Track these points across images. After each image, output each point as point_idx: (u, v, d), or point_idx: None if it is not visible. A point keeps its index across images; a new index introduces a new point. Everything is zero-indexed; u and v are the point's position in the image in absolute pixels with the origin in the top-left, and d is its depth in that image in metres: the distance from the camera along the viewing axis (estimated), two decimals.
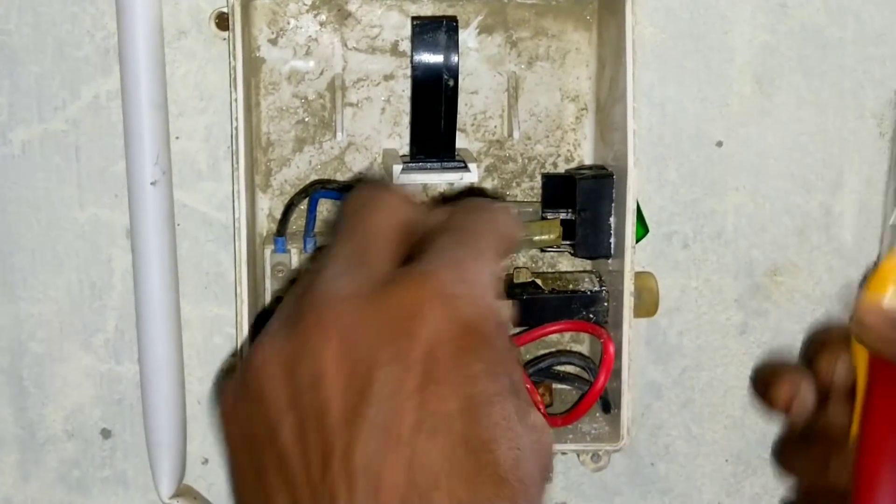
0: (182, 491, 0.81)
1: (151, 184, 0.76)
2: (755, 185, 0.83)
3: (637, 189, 0.74)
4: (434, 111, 0.75)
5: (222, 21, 0.76)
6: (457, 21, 0.74)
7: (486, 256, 0.45)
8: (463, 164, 0.75)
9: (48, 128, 0.79)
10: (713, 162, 0.82)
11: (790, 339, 0.85)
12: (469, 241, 0.45)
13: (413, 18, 0.75)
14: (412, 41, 0.74)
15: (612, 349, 0.74)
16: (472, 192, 0.79)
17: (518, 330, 0.76)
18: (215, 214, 0.80)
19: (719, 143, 0.82)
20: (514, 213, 0.50)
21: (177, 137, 0.79)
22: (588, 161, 0.80)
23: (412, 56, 0.74)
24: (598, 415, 0.78)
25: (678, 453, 0.86)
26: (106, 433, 0.83)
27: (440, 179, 0.76)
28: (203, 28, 0.78)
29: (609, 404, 0.77)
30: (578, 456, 0.79)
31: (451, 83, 0.74)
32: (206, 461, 0.84)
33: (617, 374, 0.76)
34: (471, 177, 0.75)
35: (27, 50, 0.78)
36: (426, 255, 0.44)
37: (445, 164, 0.75)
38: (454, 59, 0.74)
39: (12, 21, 0.78)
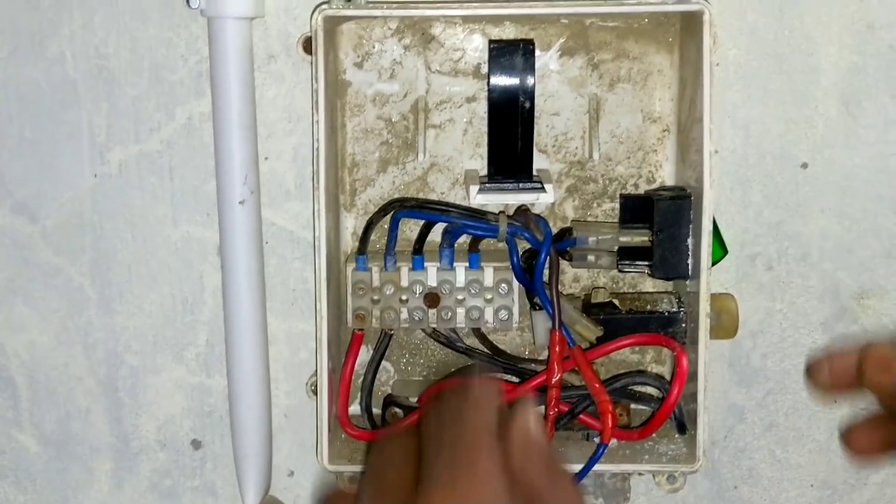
0: (268, 502, 0.83)
1: (240, 203, 0.78)
2: (841, 207, 0.82)
3: (713, 210, 0.74)
4: (511, 132, 0.76)
5: (309, 45, 0.78)
6: (533, 44, 0.75)
7: (479, 464, 0.43)
8: (539, 185, 0.76)
9: (143, 148, 0.82)
10: (798, 183, 0.82)
11: None
12: (456, 456, 0.43)
13: (490, 42, 0.76)
14: (489, 64, 0.76)
15: (685, 362, 0.74)
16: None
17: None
18: (302, 233, 0.82)
19: (804, 165, 0.82)
20: (491, 388, 0.47)
21: (266, 158, 0.81)
22: (669, 182, 0.81)
23: (489, 78, 0.76)
24: (675, 436, 0.78)
25: (762, 477, 0.85)
26: (196, 444, 0.86)
27: (516, 200, 0.77)
28: (291, 52, 0.80)
29: (685, 426, 0.77)
30: (654, 477, 0.79)
31: (528, 105, 0.75)
32: (291, 473, 0.86)
33: (693, 395, 0.75)
34: (546, 198, 0.76)
35: (124, 73, 0.81)
36: (421, 486, 0.43)
37: (522, 184, 0.76)
38: (530, 81, 0.75)
39: (111, 46, 0.81)
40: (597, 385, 0.75)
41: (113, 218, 0.83)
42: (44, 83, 0.81)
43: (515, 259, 0.76)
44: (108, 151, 0.82)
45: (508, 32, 0.79)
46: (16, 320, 0.84)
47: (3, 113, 0.82)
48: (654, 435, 0.78)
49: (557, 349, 0.75)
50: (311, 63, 0.74)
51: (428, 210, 0.78)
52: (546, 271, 0.76)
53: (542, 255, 0.75)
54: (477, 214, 0.77)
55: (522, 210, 0.78)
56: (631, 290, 0.82)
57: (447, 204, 0.79)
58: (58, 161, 0.82)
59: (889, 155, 0.81)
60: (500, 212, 0.78)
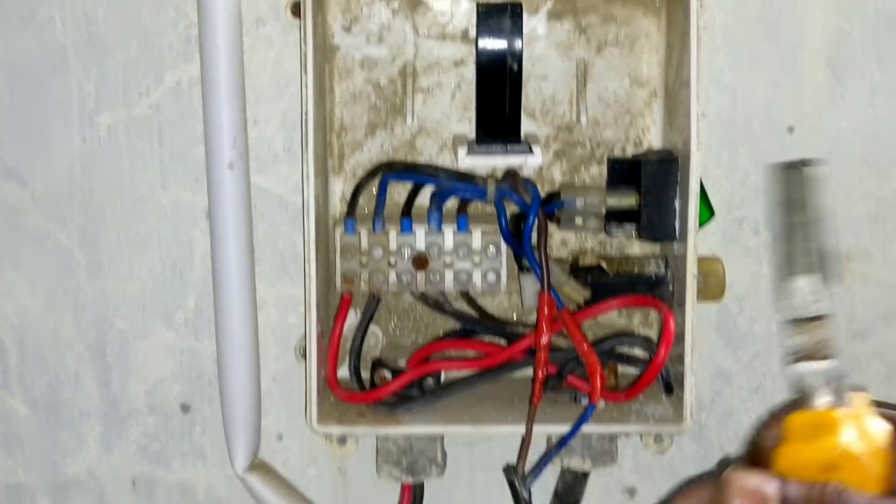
0: (256, 465, 0.83)
1: (229, 166, 0.78)
2: (828, 171, 0.82)
3: (700, 173, 0.74)
4: (499, 95, 0.76)
5: (297, 9, 0.78)
6: (521, 7, 0.76)
7: None
8: (527, 148, 0.77)
9: (133, 113, 0.82)
10: (784, 147, 0.82)
11: (864, 325, 0.84)
12: None
13: (478, 5, 0.76)
14: (477, 27, 0.76)
15: (672, 323, 0.75)
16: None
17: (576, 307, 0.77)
18: (290, 197, 0.83)
19: (791, 129, 0.82)
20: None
21: (254, 122, 0.81)
22: (656, 146, 0.81)
23: (477, 41, 0.76)
24: (662, 398, 0.79)
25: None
26: (185, 408, 0.86)
27: (504, 162, 0.77)
28: (280, 16, 0.80)
29: (672, 386, 0.77)
30: (641, 438, 0.79)
31: (516, 68, 0.76)
32: (280, 437, 0.86)
33: (680, 357, 0.76)
34: (534, 160, 0.77)
35: (114, 39, 0.81)
36: None
37: (510, 147, 0.77)
38: (518, 44, 0.76)
39: (101, 12, 0.81)
40: (585, 346, 0.75)
41: (102, 182, 0.83)
42: (34, 49, 0.81)
43: (504, 222, 0.77)
44: (97, 116, 0.82)
45: None
46: (5, 285, 0.84)
47: None
48: (641, 396, 0.78)
49: (546, 311, 0.75)
50: (300, 27, 0.74)
51: (416, 173, 0.78)
52: (534, 234, 0.76)
53: (531, 218, 0.75)
54: (465, 177, 0.77)
55: (511, 173, 0.78)
56: (618, 254, 0.82)
57: (435, 167, 0.79)
58: (47, 126, 0.82)
59: (874, 119, 0.82)
60: (489, 175, 0.78)
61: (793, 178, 0.57)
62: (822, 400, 0.54)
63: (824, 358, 0.54)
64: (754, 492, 0.52)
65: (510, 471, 0.76)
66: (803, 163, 0.59)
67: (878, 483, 0.53)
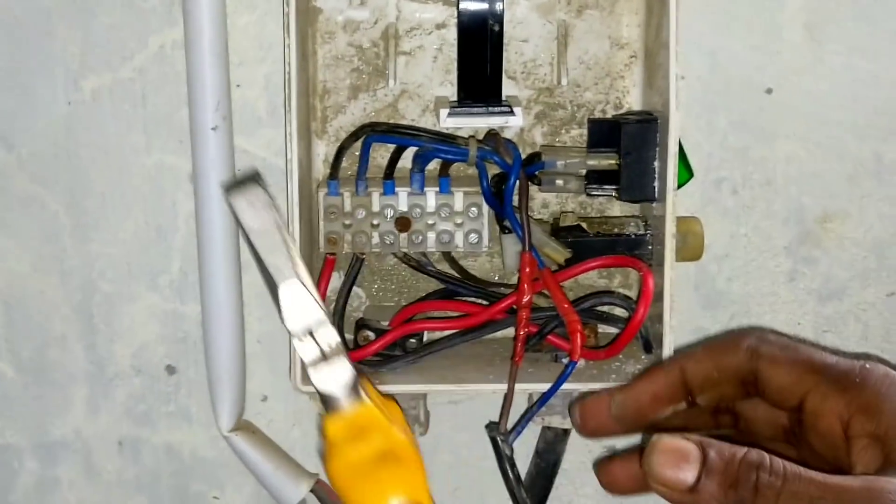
0: (241, 426, 0.84)
1: (212, 129, 0.79)
2: (806, 133, 0.83)
3: (679, 133, 0.75)
4: (480, 56, 0.77)
5: None
6: None
7: None
8: (509, 109, 0.77)
9: (117, 76, 0.83)
10: (763, 109, 0.83)
11: (840, 285, 0.86)
12: None
13: None
14: None
15: (651, 282, 0.75)
16: None
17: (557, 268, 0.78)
18: (274, 160, 0.83)
19: (769, 91, 0.83)
20: None
21: (238, 85, 0.82)
22: (637, 108, 0.82)
23: (458, 3, 0.76)
24: (642, 356, 0.80)
25: None
26: (170, 370, 0.87)
27: (486, 123, 0.78)
28: None
29: (651, 345, 0.78)
30: None
31: (497, 28, 0.76)
32: (265, 398, 0.87)
33: (659, 316, 0.77)
34: (516, 121, 0.77)
35: (98, 2, 0.82)
36: None
37: (492, 108, 0.77)
38: (499, 6, 0.76)
39: None
40: (566, 305, 0.76)
41: (87, 146, 0.84)
42: (18, 11, 0.82)
43: (485, 183, 0.77)
44: (82, 79, 0.83)
45: None
46: None
47: None
48: (620, 355, 0.79)
49: (528, 269, 0.76)
50: None
51: (398, 134, 0.79)
52: (515, 195, 0.77)
53: (512, 179, 0.76)
54: (447, 138, 0.78)
55: (492, 134, 0.79)
56: (598, 215, 0.83)
57: (418, 128, 0.79)
58: (32, 89, 0.83)
59: (852, 80, 0.83)
60: (470, 136, 0.79)
61: (240, 200, 0.55)
62: (346, 400, 0.53)
63: (333, 359, 0.53)
64: (677, 450, 0.53)
65: (492, 428, 0.77)
66: (246, 180, 0.57)
67: (419, 454, 0.54)
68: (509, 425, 0.77)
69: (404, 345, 0.80)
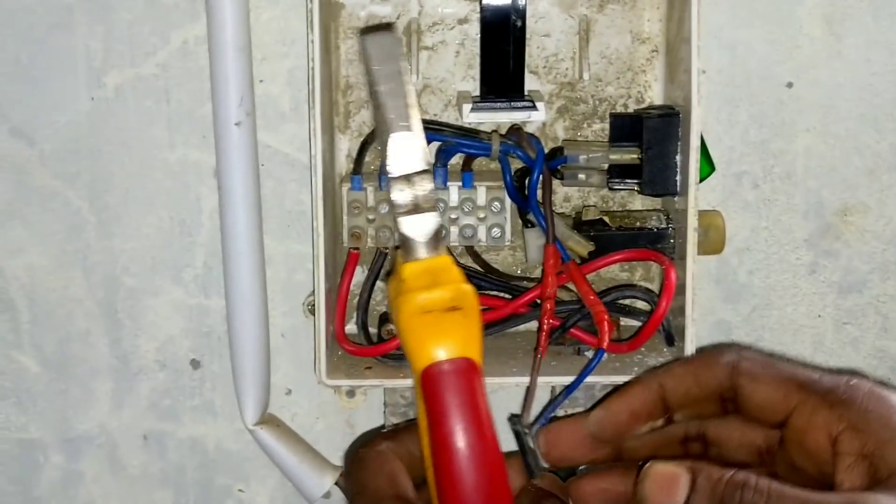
0: (266, 419, 0.85)
1: (236, 125, 0.79)
2: (825, 126, 0.84)
3: (701, 128, 0.75)
4: (502, 52, 0.77)
5: None
6: None
7: None
8: (531, 104, 0.78)
9: (140, 72, 0.83)
10: (783, 103, 0.84)
11: (860, 278, 0.86)
12: None
13: None
14: None
15: (673, 275, 0.76)
16: None
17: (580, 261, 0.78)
18: (297, 155, 0.84)
19: (789, 84, 0.83)
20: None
21: (261, 81, 0.82)
22: (658, 102, 0.82)
23: None
24: (664, 349, 0.80)
25: None
26: (195, 364, 0.88)
27: (508, 118, 0.79)
28: None
29: (673, 338, 0.79)
30: None
31: (519, 24, 0.77)
32: (289, 392, 0.88)
33: (681, 309, 0.77)
34: (538, 115, 0.78)
35: None
36: None
37: (514, 103, 0.78)
38: (522, 1, 0.77)
39: None
40: (592, 297, 0.77)
41: (110, 141, 0.84)
42: (39, 8, 0.82)
43: (508, 177, 0.78)
44: (104, 75, 0.83)
45: None
46: (15, 243, 0.85)
47: (0, 39, 0.83)
48: (643, 348, 0.80)
49: (552, 262, 0.76)
50: None
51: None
52: (539, 190, 0.77)
53: (535, 173, 0.77)
54: (470, 133, 0.79)
55: (515, 128, 0.79)
56: (620, 209, 0.84)
57: (441, 123, 0.80)
58: (54, 85, 0.83)
59: (871, 73, 0.83)
60: (493, 131, 0.79)
61: (373, 44, 0.57)
62: (427, 249, 0.56)
63: (425, 211, 0.55)
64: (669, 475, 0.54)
65: (515, 421, 0.78)
66: (381, 27, 0.58)
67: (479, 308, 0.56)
68: (532, 416, 0.78)
69: None
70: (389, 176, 0.55)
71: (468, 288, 0.55)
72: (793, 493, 0.51)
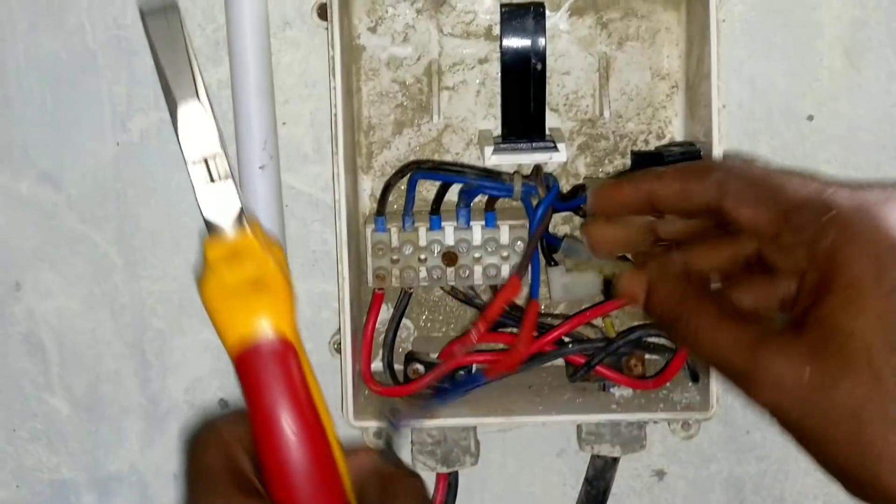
0: None
1: (260, 168, 0.80)
2: (846, 158, 0.84)
3: None
4: (523, 94, 0.78)
5: (323, 11, 0.80)
6: (544, 7, 0.77)
7: None
8: (552, 145, 0.78)
9: (164, 116, 0.83)
10: (804, 136, 0.84)
11: None
12: None
13: (502, 5, 0.78)
14: (501, 27, 0.77)
15: None
16: None
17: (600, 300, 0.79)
18: (321, 195, 0.84)
19: (810, 118, 0.83)
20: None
21: (283, 123, 0.83)
22: (679, 138, 0.82)
23: (501, 41, 0.77)
24: (689, 385, 0.81)
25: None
26: (223, 403, 0.88)
27: (530, 160, 0.79)
28: (306, 18, 0.82)
29: (698, 375, 0.79)
30: (669, 424, 0.81)
31: (539, 67, 0.77)
32: None
33: None
34: (559, 157, 0.78)
35: (143, 43, 0.82)
36: None
37: (535, 144, 0.78)
38: (541, 43, 0.77)
39: (129, 16, 0.83)
40: (532, 334, 0.79)
41: (136, 185, 0.85)
42: (64, 54, 0.83)
43: (531, 217, 0.78)
44: (129, 120, 0.84)
45: None
46: (44, 287, 0.86)
47: (25, 85, 0.83)
48: (668, 384, 0.80)
49: (508, 291, 0.78)
50: (327, 29, 0.76)
51: (444, 171, 0.80)
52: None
53: (540, 210, 0.77)
54: (492, 175, 0.79)
55: (537, 168, 0.80)
56: None
57: (463, 165, 0.81)
58: (80, 131, 0.84)
59: (891, 105, 0.83)
60: (515, 171, 0.80)
61: (153, 21, 0.56)
62: (230, 228, 0.55)
63: (223, 186, 0.55)
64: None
65: (391, 411, 0.79)
66: (166, 5, 0.59)
67: (291, 289, 0.55)
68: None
69: (453, 377, 0.81)
70: (185, 158, 0.54)
71: (272, 266, 0.55)
72: None
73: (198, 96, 0.54)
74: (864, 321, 0.47)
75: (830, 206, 0.51)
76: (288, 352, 0.56)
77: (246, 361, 0.55)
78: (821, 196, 0.52)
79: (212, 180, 0.54)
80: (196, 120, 0.54)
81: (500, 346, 0.82)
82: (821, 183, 0.53)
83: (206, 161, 0.54)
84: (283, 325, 0.55)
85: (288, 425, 0.55)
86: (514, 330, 0.81)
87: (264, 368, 0.56)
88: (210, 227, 0.55)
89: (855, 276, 0.48)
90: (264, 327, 0.54)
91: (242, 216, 0.55)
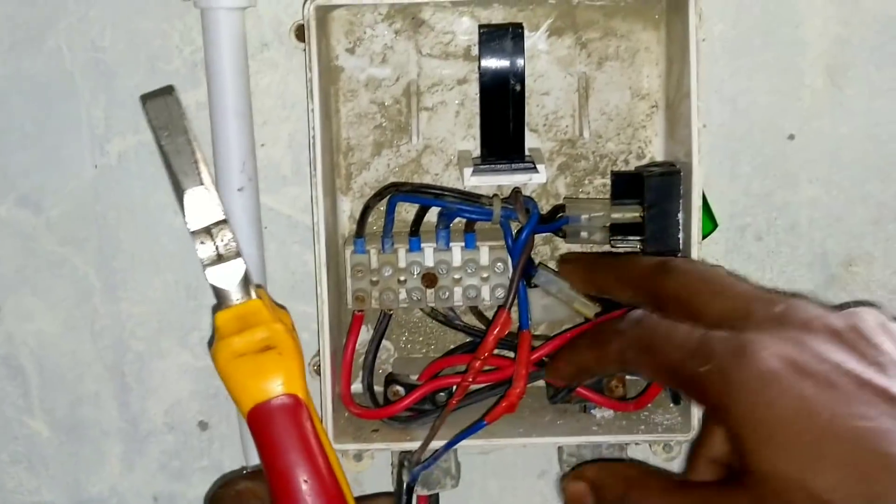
0: None
1: (238, 190, 0.80)
2: (828, 177, 0.84)
3: (702, 184, 0.75)
4: (502, 115, 0.77)
5: (301, 33, 0.79)
6: (522, 27, 0.77)
7: None
8: (532, 166, 0.78)
9: (142, 139, 0.83)
10: (786, 155, 0.83)
11: None
12: None
13: (480, 26, 0.77)
14: (479, 48, 0.77)
15: None
16: None
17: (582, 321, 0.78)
18: (300, 217, 0.84)
19: (791, 136, 0.83)
20: None
21: (262, 145, 0.83)
22: (659, 157, 0.82)
23: (480, 62, 0.77)
24: (670, 406, 0.80)
25: None
26: (203, 425, 0.88)
27: (510, 181, 0.79)
28: (284, 40, 0.81)
29: (679, 396, 0.79)
30: (650, 446, 0.81)
31: (518, 87, 0.77)
32: None
33: None
34: (539, 178, 0.78)
35: (121, 65, 0.83)
36: None
37: (515, 165, 0.78)
38: (520, 63, 0.77)
39: (107, 38, 0.82)
40: (523, 371, 0.77)
41: (115, 207, 0.85)
42: (42, 77, 0.83)
43: (509, 241, 0.78)
44: (107, 143, 0.84)
45: (497, 15, 0.80)
46: (24, 310, 0.86)
47: (4, 107, 0.83)
48: (649, 406, 0.80)
49: (500, 327, 0.76)
50: (305, 51, 0.75)
51: (423, 195, 0.79)
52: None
53: (524, 234, 0.77)
54: (471, 198, 0.78)
55: (516, 191, 0.79)
56: None
57: (442, 188, 0.80)
58: (59, 153, 0.84)
59: (874, 124, 0.83)
60: (494, 195, 0.79)
61: (156, 106, 0.62)
62: (237, 295, 0.60)
63: (228, 259, 0.61)
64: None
65: (404, 458, 0.78)
66: (164, 91, 0.64)
67: (299, 350, 0.61)
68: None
69: (434, 399, 0.81)
70: (189, 230, 0.59)
71: (279, 326, 0.59)
72: None
73: (202, 181, 0.60)
74: (786, 459, 0.51)
75: (709, 357, 0.55)
76: (299, 408, 0.58)
77: (259, 419, 0.58)
78: (702, 346, 0.56)
79: (219, 256, 0.58)
80: (200, 201, 0.60)
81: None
82: (703, 331, 0.56)
83: (211, 237, 0.58)
84: (293, 384, 0.57)
85: (303, 479, 0.57)
86: (503, 353, 0.81)
87: (278, 425, 0.58)
88: (219, 298, 0.60)
89: (758, 423, 0.52)
90: (275, 386, 0.57)
91: (248, 284, 0.60)
